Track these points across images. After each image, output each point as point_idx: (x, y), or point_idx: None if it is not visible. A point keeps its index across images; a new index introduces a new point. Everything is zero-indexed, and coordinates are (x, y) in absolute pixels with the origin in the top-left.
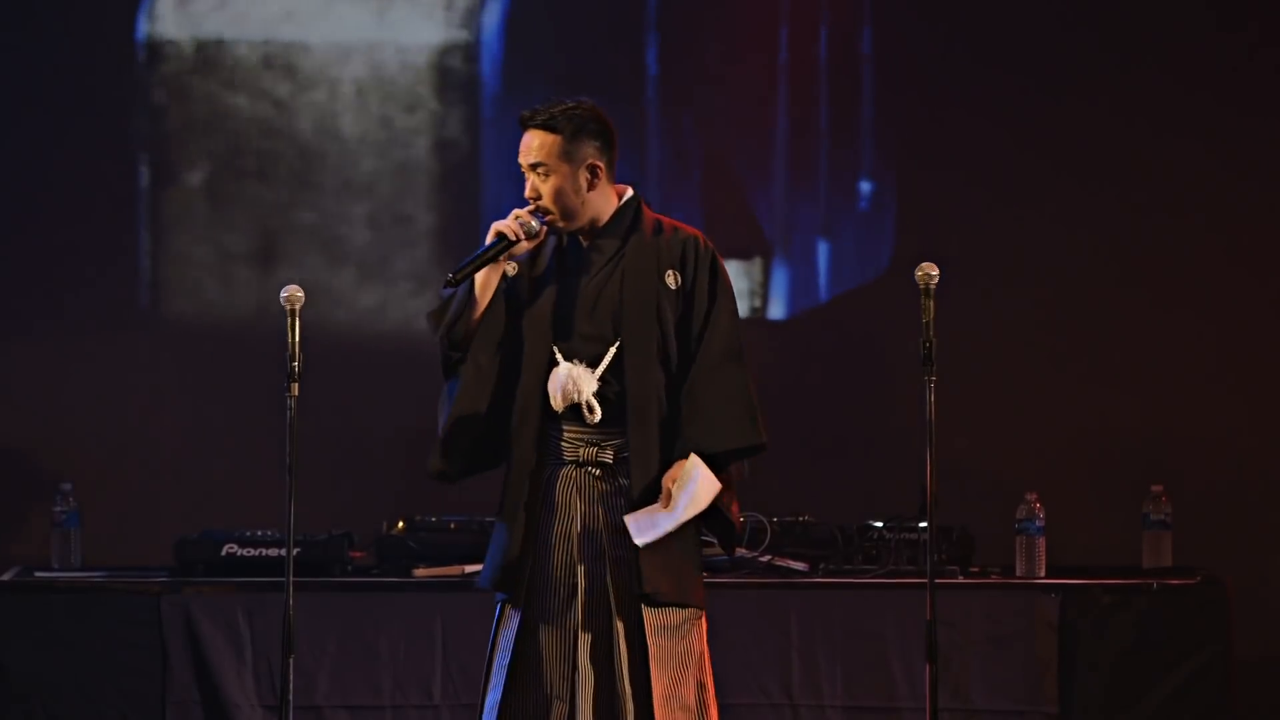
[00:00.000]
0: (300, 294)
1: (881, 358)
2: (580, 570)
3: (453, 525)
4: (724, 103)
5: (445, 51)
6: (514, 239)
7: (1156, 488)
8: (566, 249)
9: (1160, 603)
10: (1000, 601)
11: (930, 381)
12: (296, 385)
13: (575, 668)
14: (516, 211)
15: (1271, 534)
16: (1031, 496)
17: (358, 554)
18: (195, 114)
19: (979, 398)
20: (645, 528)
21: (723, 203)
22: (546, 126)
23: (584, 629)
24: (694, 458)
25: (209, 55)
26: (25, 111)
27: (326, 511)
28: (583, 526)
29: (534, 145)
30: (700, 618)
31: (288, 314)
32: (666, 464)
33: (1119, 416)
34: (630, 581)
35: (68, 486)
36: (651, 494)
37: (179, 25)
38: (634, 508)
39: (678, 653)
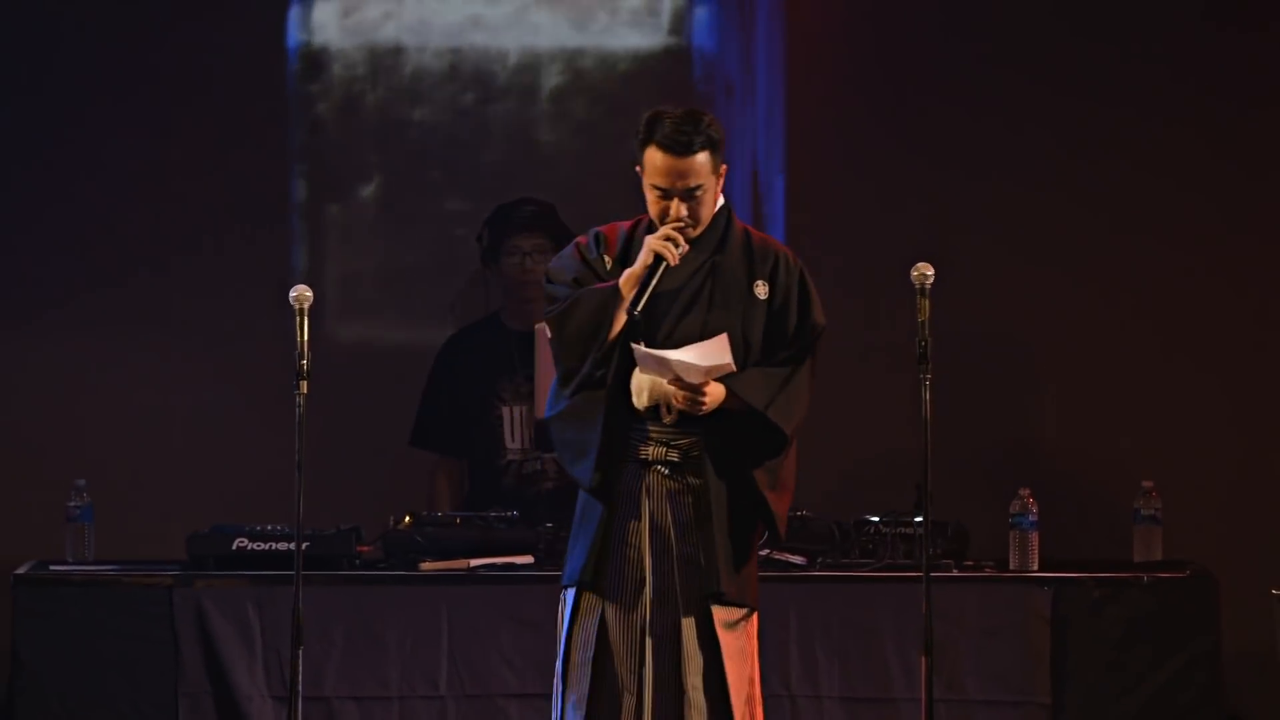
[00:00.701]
0: (309, 294)
1: (875, 354)
2: (647, 565)
3: (458, 521)
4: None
5: (653, 57)
6: (672, 261)
7: (1147, 483)
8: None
9: (1151, 596)
10: (994, 594)
11: (925, 379)
12: (305, 384)
13: (642, 662)
14: (666, 231)
15: (1260, 528)
16: (1025, 492)
17: (365, 548)
18: (365, 125)
19: (973, 395)
20: (646, 352)
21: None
22: (706, 147)
23: (651, 623)
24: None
25: (383, 64)
26: (176, 124)
27: (334, 507)
28: (650, 523)
29: (693, 169)
30: (754, 615)
31: (296, 314)
32: (739, 464)
33: (1110, 413)
34: (697, 578)
35: (81, 482)
36: (722, 491)
37: (344, 34)
38: (700, 503)
39: (738, 647)
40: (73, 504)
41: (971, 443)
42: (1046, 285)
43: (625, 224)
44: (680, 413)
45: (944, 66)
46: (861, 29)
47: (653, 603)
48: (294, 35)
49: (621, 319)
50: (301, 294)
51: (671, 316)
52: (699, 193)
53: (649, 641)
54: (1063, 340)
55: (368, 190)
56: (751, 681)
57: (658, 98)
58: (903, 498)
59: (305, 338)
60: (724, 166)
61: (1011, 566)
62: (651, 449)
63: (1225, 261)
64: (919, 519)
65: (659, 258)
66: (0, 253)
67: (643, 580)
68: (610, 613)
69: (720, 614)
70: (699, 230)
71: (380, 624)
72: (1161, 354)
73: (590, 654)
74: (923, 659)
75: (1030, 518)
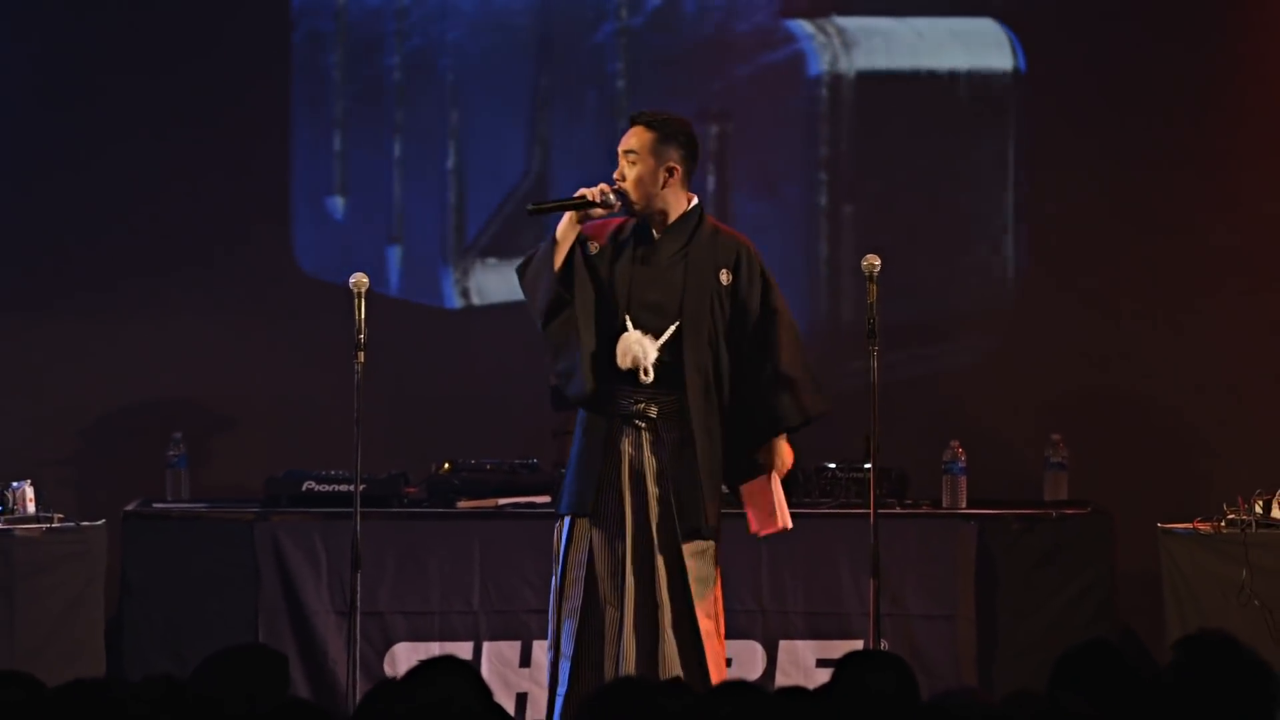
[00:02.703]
0: (365, 280)
1: (833, 331)
2: (628, 503)
3: (489, 466)
4: None
5: (1009, 76)
6: (591, 201)
7: (1056, 436)
8: (641, 238)
9: (1058, 529)
10: (930, 528)
11: (873, 350)
12: (362, 354)
13: (623, 581)
14: (602, 186)
15: (1148, 473)
16: (955, 443)
17: (412, 489)
18: (863, 138)
19: (914, 363)
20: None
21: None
22: (646, 124)
23: (630, 551)
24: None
25: (871, 87)
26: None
27: (386, 455)
28: (631, 468)
29: (632, 137)
30: (716, 546)
31: (355, 296)
32: (713, 420)
33: (1026, 377)
34: (669, 515)
35: (178, 435)
36: (692, 443)
37: (847, 62)
38: (673, 452)
39: (704, 573)
40: (171, 453)
41: (911, 402)
42: (973, 268)
43: (614, 223)
44: (658, 375)
45: None
46: None
47: (632, 535)
48: (817, 64)
49: (563, 251)
50: (359, 280)
51: (653, 293)
52: (631, 157)
53: (629, 565)
54: (985, 315)
55: (870, 191)
56: (715, 600)
57: (1023, 110)
58: (854, 448)
59: (362, 316)
60: (673, 164)
61: (944, 505)
62: (633, 405)
63: (1129, 238)
64: (868, 466)
65: (582, 196)
66: (115, 243)
67: (623, 516)
68: (597, 541)
69: (689, 545)
70: (644, 209)
71: (424, 552)
72: (1069, 327)
73: (583, 573)
74: (871, 580)
75: (959, 464)
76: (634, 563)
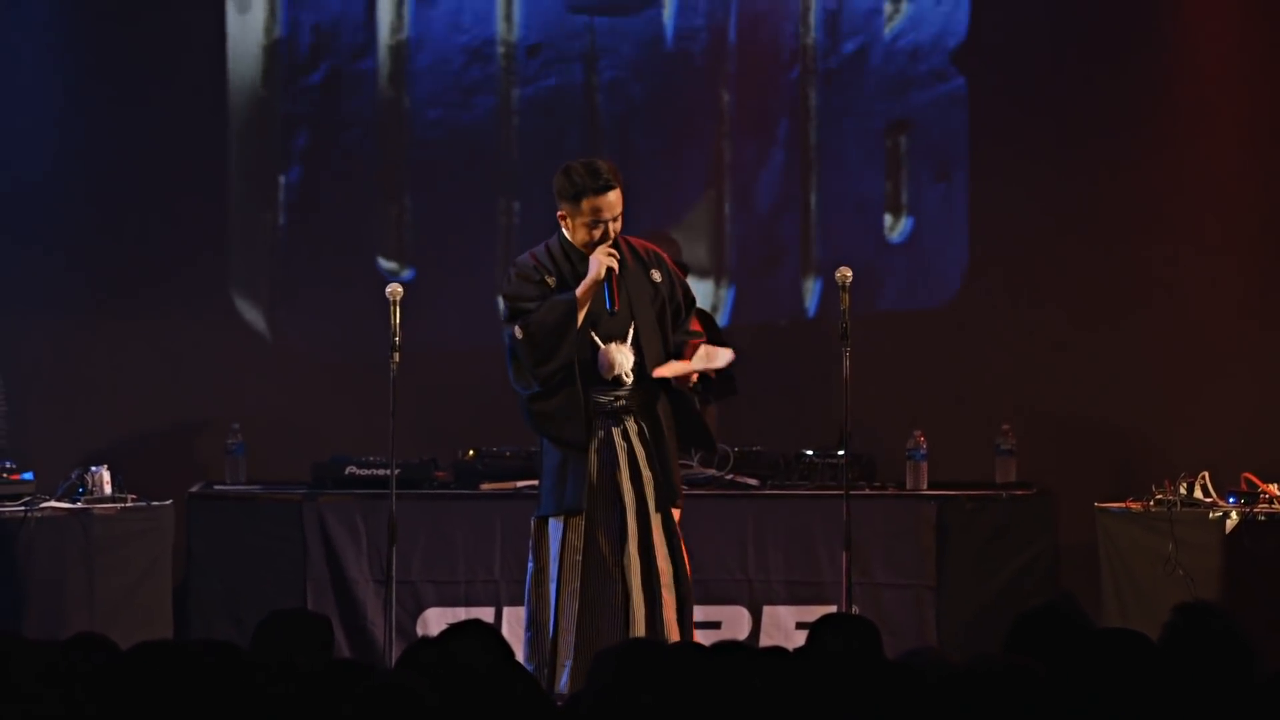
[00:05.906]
0: (400, 289)
1: (812, 335)
2: (623, 486)
3: (508, 454)
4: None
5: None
6: (616, 269)
7: (1005, 426)
8: (580, 265)
9: (1008, 508)
10: (895, 508)
11: (846, 350)
12: (397, 355)
13: (624, 555)
14: (607, 249)
15: (1087, 458)
16: (917, 433)
17: (441, 474)
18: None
19: (882, 362)
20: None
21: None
22: (618, 185)
23: (628, 529)
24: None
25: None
26: None
27: (419, 443)
28: (621, 458)
29: (616, 200)
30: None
31: (391, 305)
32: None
33: (980, 374)
34: (658, 490)
35: (236, 425)
36: (661, 428)
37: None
38: (651, 438)
39: (680, 535)
40: (230, 441)
41: (878, 397)
42: (936, 273)
43: (539, 252)
44: (635, 377)
45: None
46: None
47: (628, 514)
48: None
49: (581, 316)
50: (395, 289)
51: (604, 312)
52: (619, 218)
53: (628, 541)
54: (942, 316)
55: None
56: (685, 555)
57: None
58: (829, 437)
59: (397, 321)
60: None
61: (908, 487)
62: (612, 404)
63: (1069, 248)
64: (841, 452)
65: (610, 269)
66: (187, 252)
67: (620, 498)
68: (595, 529)
69: (676, 514)
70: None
71: (451, 528)
72: (1020, 332)
73: (580, 558)
74: (844, 553)
75: (921, 451)
76: (635, 537)
